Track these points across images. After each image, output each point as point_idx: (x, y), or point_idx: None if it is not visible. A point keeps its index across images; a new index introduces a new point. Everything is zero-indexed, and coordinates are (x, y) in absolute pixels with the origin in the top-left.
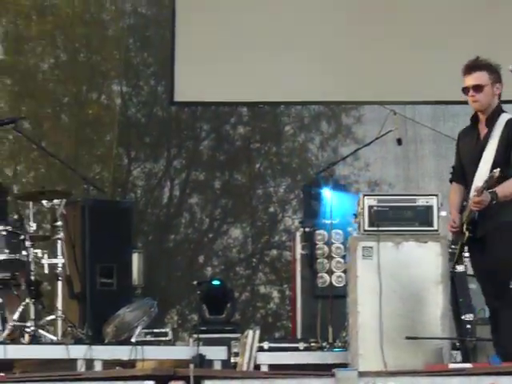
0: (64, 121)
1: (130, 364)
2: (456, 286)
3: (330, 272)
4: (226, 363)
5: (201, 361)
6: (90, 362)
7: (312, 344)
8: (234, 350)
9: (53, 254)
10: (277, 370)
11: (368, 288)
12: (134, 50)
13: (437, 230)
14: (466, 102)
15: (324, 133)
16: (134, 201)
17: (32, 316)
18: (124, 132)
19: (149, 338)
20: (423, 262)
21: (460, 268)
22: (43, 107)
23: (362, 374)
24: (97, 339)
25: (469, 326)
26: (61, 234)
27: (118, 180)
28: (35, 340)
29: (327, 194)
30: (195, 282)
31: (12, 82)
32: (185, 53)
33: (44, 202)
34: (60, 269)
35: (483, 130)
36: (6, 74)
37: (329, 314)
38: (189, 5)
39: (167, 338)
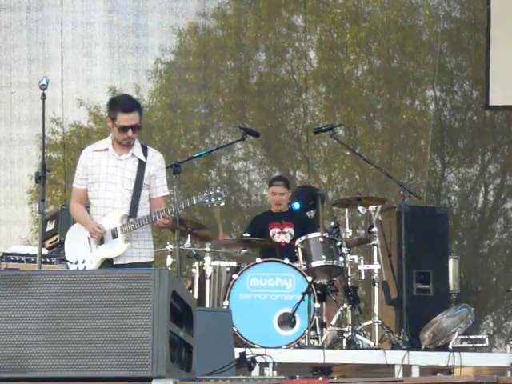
0: (378, 126)
1: (448, 370)
2: None
3: None
4: None
5: None
6: (407, 368)
7: None
8: None
9: (369, 260)
10: None
11: None
12: (447, 54)
13: None
14: None
15: None
16: (449, 206)
17: (349, 321)
18: (438, 137)
19: (465, 344)
20: None
21: None
22: (357, 114)
23: None
24: (414, 345)
25: None
26: (377, 240)
27: (432, 185)
28: (353, 345)
29: None
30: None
31: (327, 89)
32: (500, 55)
33: (360, 208)
34: (376, 274)
35: None
36: (321, 82)
37: None
38: (503, 6)
39: (484, 345)
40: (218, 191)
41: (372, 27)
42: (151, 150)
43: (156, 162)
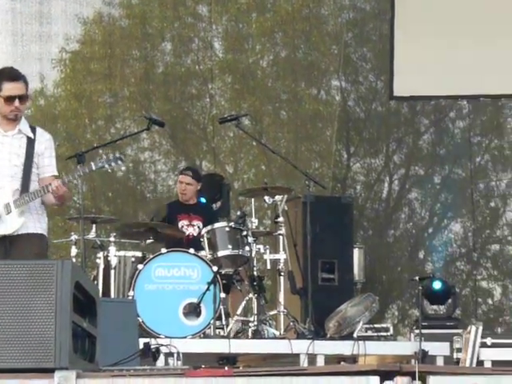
0: (283, 117)
1: (352, 359)
2: None
3: None
4: (448, 359)
5: (423, 356)
6: (312, 357)
7: None
8: (456, 345)
9: (275, 250)
10: (500, 366)
11: None
12: (352, 44)
13: None
14: None
15: None
16: (354, 196)
17: (255, 311)
18: (343, 127)
19: (370, 333)
20: None
21: None
22: (263, 104)
23: None
24: (319, 334)
25: None
26: (282, 230)
27: (337, 175)
28: (258, 335)
29: None
30: (417, 278)
31: (232, 79)
32: (404, 46)
33: (266, 198)
34: (282, 264)
35: None
36: (226, 73)
37: None
38: None
39: (388, 334)
40: (117, 155)
41: (277, 17)
42: (40, 129)
43: (44, 141)
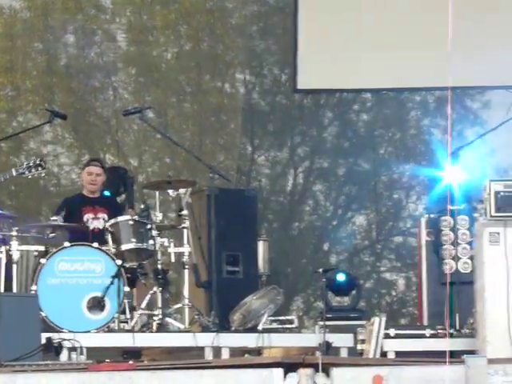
0: (187, 109)
1: (257, 351)
2: None
3: (456, 258)
4: (352, 350)
5: (327, 348)
6: (217, 350)
7: (439, 331)
8: (360, 337)
9: (179, 243)
10: (403, 356)
11: (495, 274)
12: (257, 38)
13: None
14: None
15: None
16: (259, 189)
17: (159, 304)
18: (247, 120)
19: (275, 325)
20: None
21: None
22: (167, 96)
23: (491, 361)
24: (224, 327)
25: None
26: (187, 223)
27: (242, 168)
28: (163, 328)
29: (453, 179)
30: (320, 270)
31: (136, 72)
32: (308, 39)
33: (170, 191)
34: (186, 257)
35: None
36: (130, 65)
37: (456, 300)
38: None
39: (293, 326)
40: (38, 162)
41: (182, 9)
42: None
43: None
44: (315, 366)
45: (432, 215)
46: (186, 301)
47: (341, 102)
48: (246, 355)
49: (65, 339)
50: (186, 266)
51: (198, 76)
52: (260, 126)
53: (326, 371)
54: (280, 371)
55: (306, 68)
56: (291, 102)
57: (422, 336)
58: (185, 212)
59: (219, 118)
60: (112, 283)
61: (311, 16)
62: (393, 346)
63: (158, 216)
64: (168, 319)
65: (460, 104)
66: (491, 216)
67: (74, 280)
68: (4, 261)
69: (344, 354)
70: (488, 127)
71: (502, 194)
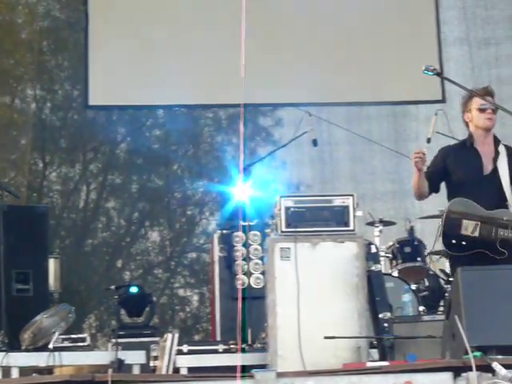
0: None
1: (48, 370)
2: (373, 285)
3: (249, 274)
4: (145, 367)
5: (119, 365)
6: (6, 370)
7: (231, 346)
8: (153, 353)
9: None
10: (196, 372)
11: (286, 289)
12: (48, 53)
13: (353, 230)
14: (378, 104)
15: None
16: (50, 205)
17: None
18: (38, 136)
19: (66, 343)
20: (340, 261)
21: (377, 267)
22: None
23: (280, 375)
24: (13, 346)
25: (386, 325)
26: None
27: (33, 185)
28: None
29: (245, 195)
30: (113, 287)
31: None
32: (99, 55)
33: None
34: None
35: (485, 149)
36: None
37: (248, 315)
38: (102, 7)
39: (85, 344)
40: None
41: None
42: None
43: None
44: None
45: (224, 231)
46: None
47: (134, 117)
48: (34, 374)
49: None
50: None
51: None
52: (52, 141)
53: None
54: None
55: (98, 84)
56: (83, 118)
57: (215, 351)
58: None
59: (9, 134)
60: None
61: (103, 33)
62: (185, 362)
63: None
64: None
65: (252, 121)
66: (282, 231)
67: None
68: None
69: (136, 371)
70: (280, 144)
71: (292, 209)
